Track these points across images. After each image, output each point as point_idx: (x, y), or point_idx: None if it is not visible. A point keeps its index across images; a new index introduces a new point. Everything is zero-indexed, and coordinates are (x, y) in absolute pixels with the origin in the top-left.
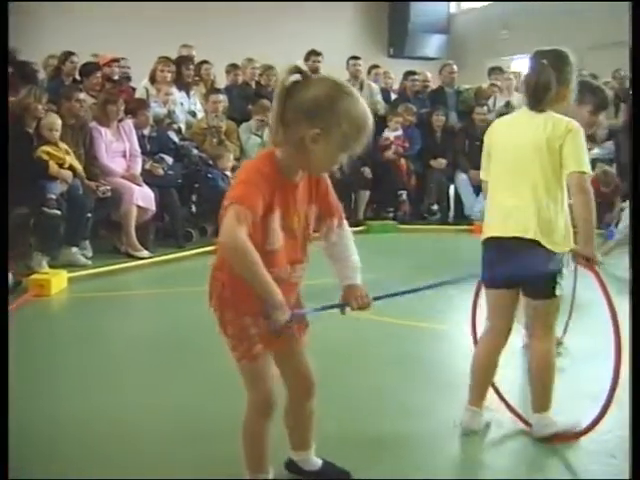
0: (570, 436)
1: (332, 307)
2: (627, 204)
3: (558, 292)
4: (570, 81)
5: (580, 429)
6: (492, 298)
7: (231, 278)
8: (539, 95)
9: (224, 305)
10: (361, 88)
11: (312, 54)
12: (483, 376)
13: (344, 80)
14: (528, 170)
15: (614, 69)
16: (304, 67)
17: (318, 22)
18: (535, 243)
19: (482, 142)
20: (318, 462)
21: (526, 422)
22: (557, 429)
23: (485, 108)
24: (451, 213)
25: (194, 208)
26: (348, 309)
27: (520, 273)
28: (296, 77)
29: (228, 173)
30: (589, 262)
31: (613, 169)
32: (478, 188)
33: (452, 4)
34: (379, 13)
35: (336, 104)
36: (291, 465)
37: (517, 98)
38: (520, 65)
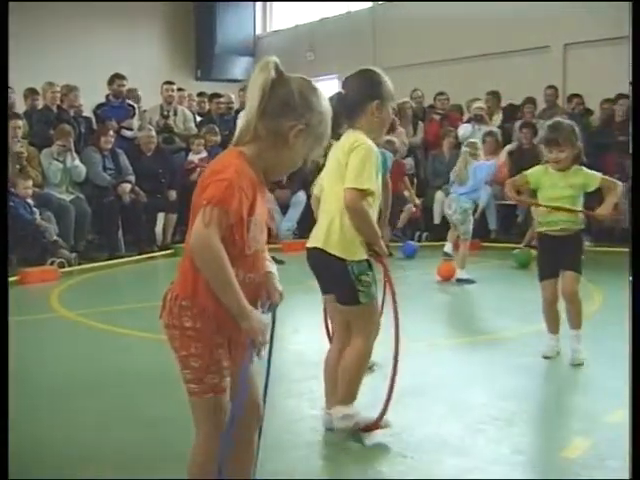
0: (370, 426)
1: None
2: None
3: (363, 300)
4: (373, 96)
5: (387, 424)
6: (325, 304)
7: (207, 309)
8: (344, 112)
9: (191, 338)
10: (175, 114)
11: (116, 77)
12: (329, 380)
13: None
14: (330, 185)
15: (412, 89)
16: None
17: (123, 45)
18: (324, 252)
19: None
20: None
21: None
22: (357, 423)
23: None
24: None
25: None
26: None
27: (321, 281)
28: (272, 73)
29: (30, 200)
30: (377, 255)
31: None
32: (285, 207)
33: (258, 26)
34: (186, 36)
35: (319, 102)
36: None
37: None
38: (325, 85)
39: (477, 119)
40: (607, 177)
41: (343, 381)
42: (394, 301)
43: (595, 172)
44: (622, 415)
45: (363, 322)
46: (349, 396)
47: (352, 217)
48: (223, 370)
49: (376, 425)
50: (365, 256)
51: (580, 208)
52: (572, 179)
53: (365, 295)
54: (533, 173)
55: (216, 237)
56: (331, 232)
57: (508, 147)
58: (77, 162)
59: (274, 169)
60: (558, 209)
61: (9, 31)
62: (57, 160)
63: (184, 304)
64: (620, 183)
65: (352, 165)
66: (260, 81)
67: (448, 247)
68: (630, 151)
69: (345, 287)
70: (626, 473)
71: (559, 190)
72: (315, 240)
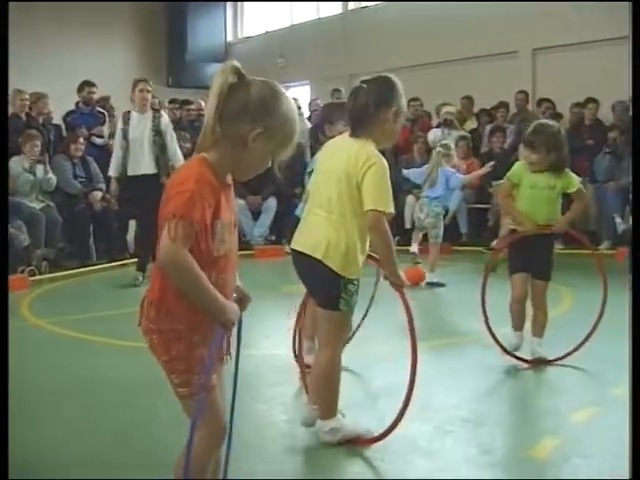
0: (364, 441)
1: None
2: None
3: (342, 307)
4: (391, 103)
5: (371, 435)
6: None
7: (175, 310)
8: (358, 117)
9: (171, 340)
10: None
11: (86, 85)
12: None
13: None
14: (329, 195)
15: None
16: (241, 68)
17: (94, 52)
18: (321, 263)
19: None
20: None
21: None
22: (343, 436)
23: None
24: None
25: None
26: None
27: (308, 285)
28: (233, 77)
29: None
30: (396, 286)
31: None
32: (257, 213)
33: (229, 33)
34: (157, 43)
35: (280, 105)
36: None
37: None
38: (296, 92)
39: (447, 124)
40: (582, 189)
41: (321, 395)
42: (412, 333)
43: (575, 177)
44: (587, 413)
45: (335, 329)
46: (330, 410)
47: (376, 238)
48: (208, 367)
49: (368, 442)
50: (359, 275)
51: (559, 208)
52: (553, 181)
53: (346, 303)
54: (514, 171)
55: (183, 250)
56: (333, 246)
57: (485, 169)
58: (50, 175)
59: (239, 172)
60: (545, 228)
61: None
62: (28, 172)
63: (158, 307)
64: (588, 197)
65: (371, 185)
66: (217, 86)
67: (414, 247)
68: (630, 151)
69: (329, 293)
70: (591, 470)
71: (539, 191)
72: (310, 248)
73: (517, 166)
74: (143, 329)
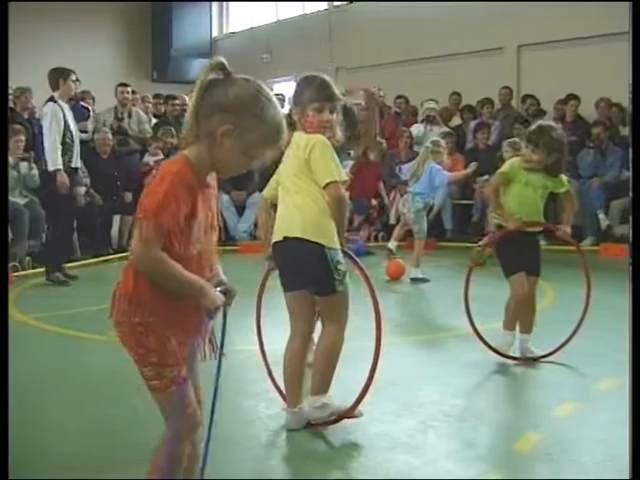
0: (347, 416)
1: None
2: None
3: (339, 288)
4: (297, 103)
5: (361, 415)
6: (288, 301)
7: (147, 302)
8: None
9: (142, 333)
10: (129, 116)
11: None
12: (292, 378)
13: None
14: (292, 181)
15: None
16: (227, 65)
17: (79, 46)
18: (302, 241)
19: None
20: None
21: None
22: (332, 412)
23: None
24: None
25: None
26: None
27: (292, 274)
28: (218, 74)
29: None
30: (347, 256)
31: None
32: (241, 209)
33: (214, 28)
34: (142, 37)
35: (257, 106)
36: None
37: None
38: (282, 87)
39: (429, 120)
40: (571, 189)
41: (319, 371)
42: (370, 289)
43: (565, 178)
44: (568, 408)
45: (337, 311)
46: (325, 385)
47: (337, 207)
48: (180, 360)
49: (350, 414)
50: (339, 245)
51: (542, 207)
52: (547, 181)
53: (341, 283)
54: (510, 167)
55: (155, 249)
56: (307, 221)
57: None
58: (34, 170)
59: (218, 169)
60: (530, 224)
61: None
62: (12, 168)
63: (130, 300)
64: (575, 197)
65: (319, 161)
66: (198, 82)
67: (392, 244)
68: (613, 148)
69: (323, 276)
70: (573, 465)
71: (532, 189)
72: (288, 230)
73: (514, 162)
74: (114, 322)
